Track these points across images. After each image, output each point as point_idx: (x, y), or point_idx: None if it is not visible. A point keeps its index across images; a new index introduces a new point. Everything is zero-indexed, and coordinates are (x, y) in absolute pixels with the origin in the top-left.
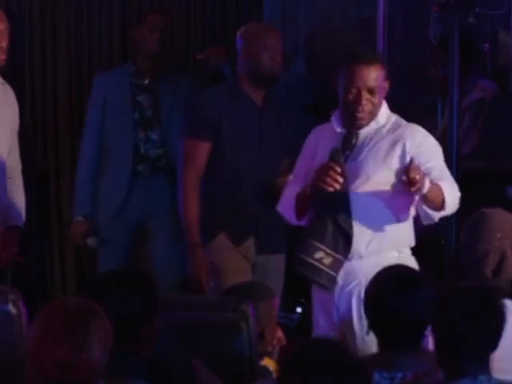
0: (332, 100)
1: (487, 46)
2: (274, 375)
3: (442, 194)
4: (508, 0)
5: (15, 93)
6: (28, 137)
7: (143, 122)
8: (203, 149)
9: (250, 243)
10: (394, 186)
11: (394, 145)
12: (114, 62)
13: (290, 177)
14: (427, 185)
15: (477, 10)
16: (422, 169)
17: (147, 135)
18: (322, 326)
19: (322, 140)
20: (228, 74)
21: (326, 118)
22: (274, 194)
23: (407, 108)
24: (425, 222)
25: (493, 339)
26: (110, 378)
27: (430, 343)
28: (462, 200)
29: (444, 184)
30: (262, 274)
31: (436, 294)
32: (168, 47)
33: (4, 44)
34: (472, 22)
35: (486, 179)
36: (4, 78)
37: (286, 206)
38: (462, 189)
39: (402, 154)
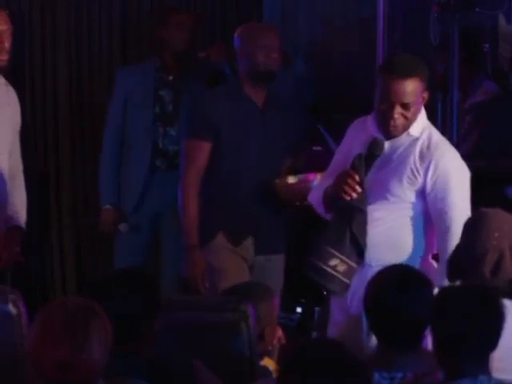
0: (332, 100)
1: (487, 46)
2: (274, 375)
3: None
4: (508, 0)
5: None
6: (28, 137)
7: (163, 117)
8: (203, 149)
9: (249, 243)
10: (413, 204)
11: (419, 166)
12: (114, 62)
13: (290, 178)
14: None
15: (477, 9)
16: (434, 206)
17: (166, 130)
18: (337, 325)
19: (357, 139)
20: (228, 73)
21: (326, 118)
22: (272, 195)
23: None
24: None
25: (492, 338)
26: (110, 378)
27: (429, 343)
28: None
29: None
30: (261, 275)
31: (436, 294)
32: (193, 46)
33: (7, 44)
34: (472, 22)
35: (485, 179)
36: (5, 78)
37: (315, 198)
38: None
39: (423, 178)
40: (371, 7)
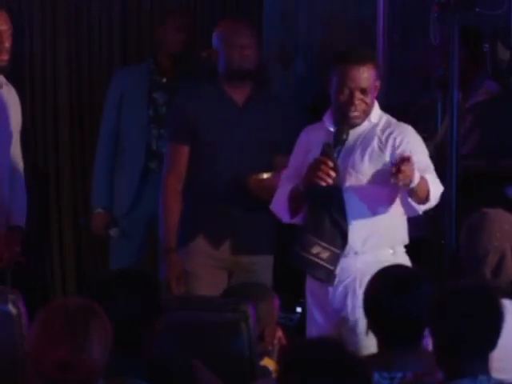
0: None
1: (487, 45)
2: (274, 375)
3: (428, 187)
4: (508, 0)
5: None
6: (28, 137)
7: (157, 119)
8: (182, 152)
9: (228, 246)
10: (386, 183)
11: (385, 143)
12: (114, 62)
13: (265, 174)
14: (417, 178)
15: (477, 9)
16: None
17: (160, 132)
18: (315, 319)
19: (313, 139)
20: None
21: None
22: (247, 193)
23: (407, 108)
24: (409, 215)
25: (492, 338)
26: (110, 378)
27: (429, 344)
28: (462, 200)
29: (428, 177)
30: (246, 277)
31: (435, 294)
32: (190, 48)
33: (7, 44)
34: (472, 22)
35: (485, 179)
36: (5, 78)
37: (278, 205)
38: (461, 189)
39: (392, 151)
40: (371, 7)
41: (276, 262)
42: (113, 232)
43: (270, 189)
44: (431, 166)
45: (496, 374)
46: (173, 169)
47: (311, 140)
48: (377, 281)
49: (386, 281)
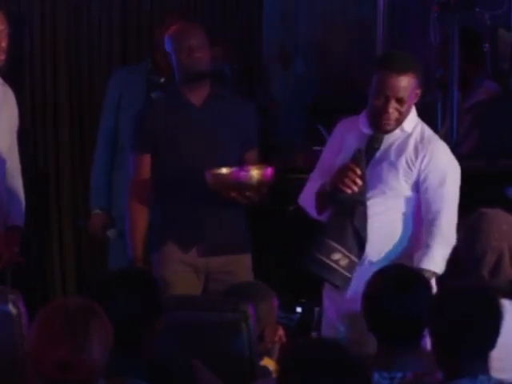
0: (332, 100)
1: (487, 45)
2: (274, 375)
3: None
4: (508, 0)
5: (15, 93)
6: (28, 137)
7: None
8: (144, 163)
9: (197, 249)
10: (409, 198)
11: (414, 160)
12: (114, 62)
13: (224, 169)
14: None
15: (477, 10)
16: (424, 196)
17: None
18: (332, 324)
19: (348, 137)
20: (227, 74)
21: (326, 118)
22: (213, 193)
23: None
24: None
25: (491, 338)
26: (110, 378)
27: (428, 343)
28: (462, 200)
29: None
30: (221, 279)
31: (435, 294)
32: None
33: (3, 44)
34: (472, 22)
35: (485, 179)
36: (4, 78)
37: (306, 200)
38: (462, 189)
39: (418, 170)
40: (371, 7)
41: (277, 261)
42: (110, 233)
43: (227, 184)
44: (450, 209)
45: (496, 373)
46: (137, 178)
47: (345, 137)
48: (376, 281)
49: (385, 281)
